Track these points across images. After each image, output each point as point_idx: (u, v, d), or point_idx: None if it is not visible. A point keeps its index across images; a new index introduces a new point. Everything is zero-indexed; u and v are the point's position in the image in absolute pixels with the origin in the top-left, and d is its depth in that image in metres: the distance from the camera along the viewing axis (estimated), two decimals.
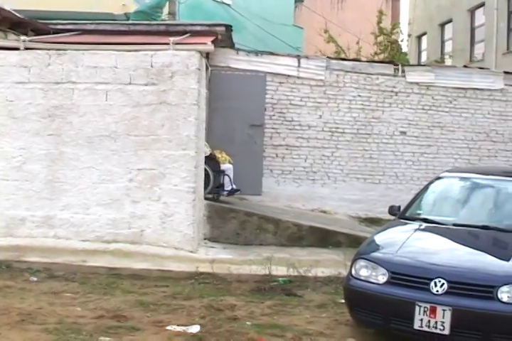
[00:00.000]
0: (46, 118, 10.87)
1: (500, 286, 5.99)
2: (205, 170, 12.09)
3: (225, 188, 12.64)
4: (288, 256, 10.68)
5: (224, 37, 12.86)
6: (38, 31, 12.28)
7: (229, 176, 12.64)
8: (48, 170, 10.87)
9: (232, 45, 13.89)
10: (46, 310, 7.24)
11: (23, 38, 11.25)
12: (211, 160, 12.36)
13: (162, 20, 15.81)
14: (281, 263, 9.72)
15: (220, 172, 12.56)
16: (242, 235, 12.11)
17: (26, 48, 11.05)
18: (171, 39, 11.10)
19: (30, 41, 11.25)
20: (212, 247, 11.48)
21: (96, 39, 11.78)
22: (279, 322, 7.26)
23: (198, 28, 12.68)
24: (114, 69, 10.90)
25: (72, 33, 12.44)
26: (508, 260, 6.41)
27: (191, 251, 10.68)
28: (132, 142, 10.83)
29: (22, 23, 11.94)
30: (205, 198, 12.09)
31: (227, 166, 12.74)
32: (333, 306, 8.05)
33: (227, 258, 10.51)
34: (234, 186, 12.66)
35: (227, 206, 12.42)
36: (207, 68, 12.31)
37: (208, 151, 12.44)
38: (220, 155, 12.81)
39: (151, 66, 10.87)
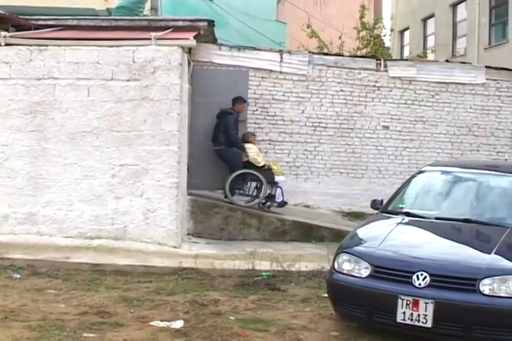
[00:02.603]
0: (28, 115, 10.82)
1: (482, 279, 6.04)
2: (259, 180, 12.52)
3: (276, 200, 12.87)
4: (271, 250, 10.69)
5: (206, 32, 12.82)
6: (20, 27, 12.18)
7: (281, 188, 12.88)
8: (31, 167, 10.82)
9: (214, 41, 13.86)
10: (29, 307, 7.21)
11: (4, 33, 11.15)
12: (267, 171, 12.67)
13: (144, 15, 15.73)
14: (265, 257, 9.75)
15: (274, 184, 12.77)
16: (226, 230, 12.13)
17: (7, 44, 10.96)
18: (153, 34, 11.05)
19: (12, 37, 11.17)
20: (196, 242, 11.49)
21: (78, 35, 11.72)
22: (263, 316, 7.28)
23: (181, 23, 12.63)
24: (96, 64, 10.86)
25: (53, 28, 12.35)
26: (489, 253, 6.45)
27: (175, 247, 10.68)
28: (115, 138, 10.81)
29: (3, 18, 11.84)
30: (248, 207, 12.55)
31: (281, 178, 13.01)
32: (316, 300, 8.08)
33: (211, 254, 10.52)
34: (284, 198, 12.88)
35: (211, 201, 12.42)
36: (189, 63, 12.29)
37: (263, 162, 12.76)
38: (276, 167, 13.04)
39: (133, 61, 10.84)
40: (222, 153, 12.75)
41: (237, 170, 12.61)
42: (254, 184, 12.95)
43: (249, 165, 12.79)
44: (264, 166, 12.79)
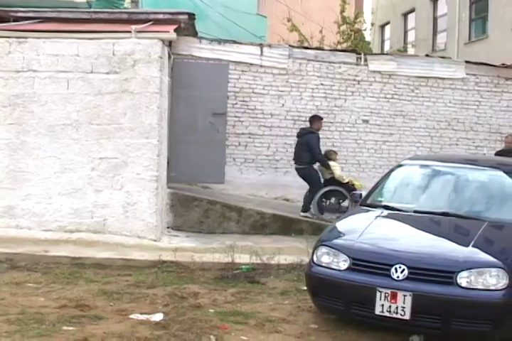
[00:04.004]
0: (7, 107, 10.77)
1: (459, 272, 6.08)
2: (343, 196, 12.95)
3: None
4: (251, 243, 10.72)
5: (187, 25, 12.81)
6: None
7: None
8: (10, 160, 10.78)
9: (195, 34, 13.83)
10: (8, 300, 7.17)
11: None
12: (349, 187, 12.83)
13: (124, 8, 15.69)
14: (245, 251, 9.76)
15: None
16: (206, 223, 12.15)
17: None
18: (133, 27, 11.03)
19: None
20: (176, 236, 11.50)
21: (57, 27, 11.65)
22: (242, 309, 7.30)
23: (161, 16, 12.60)
24: (76, 57, 10.83)
25: (33, 20, 12.29)
26: (467, 246, 6.50)
27: (154, 240, 10.69)
28: (94, 131, 10.78)
29: None
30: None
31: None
32: (295, 293, 8.10)
33: (191, 247, 10.53)
34: None
35: (191, 194, 12.42)
36: (169, 56, 12.27)
37: (347, 179, 13.04)
38: (357, 183, 13.17)
39: (113, 54, 10.82)
40: (305, 172, 12.97)
41: (319, 187, 12.96)
42: (335, 199, 13.31)
43: (333, 181, 13.07)
44: (348, 182, 13.02)
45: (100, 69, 10.81)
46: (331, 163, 13.14)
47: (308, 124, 13.33)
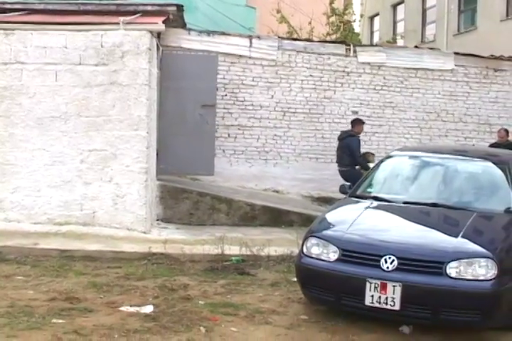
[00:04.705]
0: None
1: (448, 262, 6.10)
2: None
3: None
4: (241, 235, 10.72)
5: (175, 17, 12.74)
6: None
7: None
8: None
9: (183, 25, 13.78)
10: None
11: None
12: None
13: None
14: (234, 242, 9.75)
15: None
16: (195, 215, 12.14)
17: None
18: (122, 19, 10.99)
19: None
20: (165, 228, 11.49)
21: (45, 19, 11.57)
22: (232, 300, 7.30)
23: (149, 7, 12.53)
24: (64, 49, 10.79)
25: (20, 12, 12.21)
26: (456, 236, 6.52)
27: (144, 232, 10.68)
28: (83, 123, 10.75)
29: None
30: None
31: None
32: (285, 284, 8.11)
33: (180, 239, 10.52)
34: None
35: (180, 186, 12.40)
36: (158, 48, 12.21)
37: None
38: None
39: (102, 46, 10.78)
40: (348, 174, 12.87)
41: None
42: None
43: None
44: None
45: (89, 61, 10.77)
46: (370, 164, 13.17)
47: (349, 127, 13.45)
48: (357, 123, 13.31)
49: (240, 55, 13.94)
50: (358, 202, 7.76)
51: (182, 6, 12.67)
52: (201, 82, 12.80)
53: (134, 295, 7.37)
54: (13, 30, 10.77)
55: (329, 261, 6.55)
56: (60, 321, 6.29)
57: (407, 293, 6.05)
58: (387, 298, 6.11)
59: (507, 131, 14.01)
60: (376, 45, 16.93)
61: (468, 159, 8.29)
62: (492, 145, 13.40)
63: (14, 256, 9.10)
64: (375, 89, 14.70)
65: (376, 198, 7.73)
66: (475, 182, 7.95)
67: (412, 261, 6.18)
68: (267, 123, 14.16)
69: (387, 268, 6.20)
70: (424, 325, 6.30)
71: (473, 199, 7.56)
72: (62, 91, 10.76)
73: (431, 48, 16.13)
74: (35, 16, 11.92)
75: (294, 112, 14.18)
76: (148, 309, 6.79)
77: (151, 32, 11.05)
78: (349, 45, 14.88)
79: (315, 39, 18.21)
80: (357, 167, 13.07)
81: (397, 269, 6.18)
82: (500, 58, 15.55)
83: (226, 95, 13.91)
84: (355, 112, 14.55)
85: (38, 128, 10.74)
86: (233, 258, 9.34)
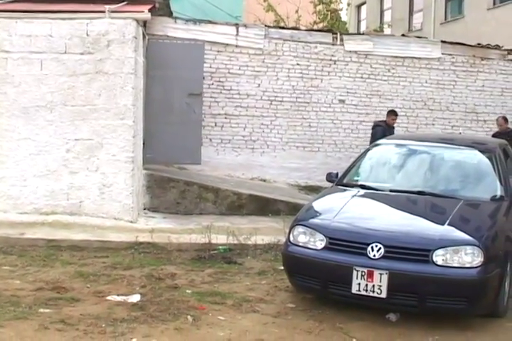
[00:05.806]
0: None
1: (435, 250, 6.13)
2: None
3: None
4: (228, 224, 10.71)
5: (162, 5, 12.72)
6: None
7: None
8: None
9: (170, 14, 13.75)
10: None
11: None
12: None
13: None
14: (221, 231, 9.75)
15: None
16: (182, 204, 12.12)
17: None
18: (107, 7, 10.90)
19: None
20: (152, 217, 11.47)
21: (30, 7, 11.46)
22: (220, 289, 7.32)
23: None
24: (49, 37, 10.70)
25: (4, 0, 12.12)
26: (443, 224, 6.55)
27: (131, 221, 10.66)
28: (69, 112, 10.69)
29: None
30: None
31: None
32: (272, 273, 8.13)
33: (167, 228, 10.51)
34: None
35: (167, 175, 12.37)
36: (144, 37, 12.15)
37: None
38: None
39: (87, 35, 10.70)
40: None
41: None
42: None
43: None
44: None
45: (74, 49, 10.69)
46: None
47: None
48: (389, 114, 13.47)
49: (227, 44, 13.90)
50: (344, 190, 7.78)
51: None
52: (188, 70, 12.75)
53: (121, 284, 7.37)
54: None
55: (316, 250, 6.57)
56: (47, 311, 6.30)
57: (393, 280, 6.08)
58: (374, 286, 6.13)
59: (505, 119, 13.83)
60: (363, 34, 16.91)
61: (454, 147, 8.34)
62: (494, 135, 13.22)
63: (0, 246, 9.05)
64: (362, 77, 14.70)
65: (363, 186, 7.77)
66: (461, 171, 7.99)
67: (399, 249, 6.21)
68: (253, 112, 14.14)
69: (374, 256, 6.22)
70: (411, 313, 6.34)
71: (459, 188, 7.61)
72: (47, 80, 10.68)
73: (418, 37, 16.13)
74: (20, 4, 11.80)
75: (280, 101, 14.16)
76: (135, 298, 6.79)
77: (136, 20, 10.97)
78: (336, 34, 14.86)
79: (302, 28, 18.12)
80: None
81: (383, 257, 6.20)
82: (487, 47, 15.61)
83: (213, 84, 13.88)
84: (342, 101, 14.56)
85: (23, 118, 10.67)
86: (220, 247, 9.35)
